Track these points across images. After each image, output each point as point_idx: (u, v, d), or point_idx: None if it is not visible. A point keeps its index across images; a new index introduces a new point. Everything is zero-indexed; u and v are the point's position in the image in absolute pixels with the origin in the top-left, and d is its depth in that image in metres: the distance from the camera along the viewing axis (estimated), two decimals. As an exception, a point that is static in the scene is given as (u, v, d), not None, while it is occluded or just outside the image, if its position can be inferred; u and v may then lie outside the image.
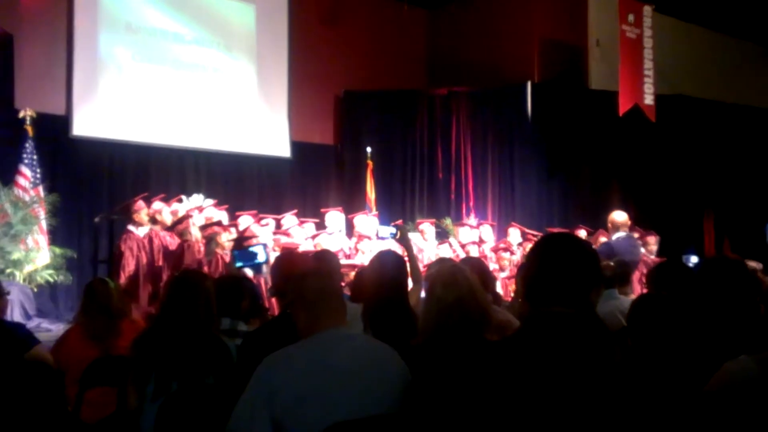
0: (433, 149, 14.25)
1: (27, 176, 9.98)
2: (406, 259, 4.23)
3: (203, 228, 8.97)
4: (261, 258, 4.29)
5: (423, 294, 3.78)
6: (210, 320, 3.55)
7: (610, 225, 8.00)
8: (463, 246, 10.72)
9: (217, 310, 3.62)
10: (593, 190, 13.59)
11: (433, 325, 3.00)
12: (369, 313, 3.66)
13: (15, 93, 10.76)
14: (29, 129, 10.17)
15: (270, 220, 10.28)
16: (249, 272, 7.93)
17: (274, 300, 7.09)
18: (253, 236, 8.67)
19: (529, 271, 2.21)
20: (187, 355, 3.41)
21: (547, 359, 2.03)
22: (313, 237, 9.84)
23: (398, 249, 5.83)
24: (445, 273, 3.12)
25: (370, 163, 13.05)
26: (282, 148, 13.42)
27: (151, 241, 9.05)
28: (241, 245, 8.12)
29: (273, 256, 8.45)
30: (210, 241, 8.83)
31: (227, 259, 8.77)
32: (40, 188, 10.05)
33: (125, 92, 11.71)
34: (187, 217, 9.26)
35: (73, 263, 10.48)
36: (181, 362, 3.39)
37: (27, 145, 10.07)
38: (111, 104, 11.58)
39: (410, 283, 4.25)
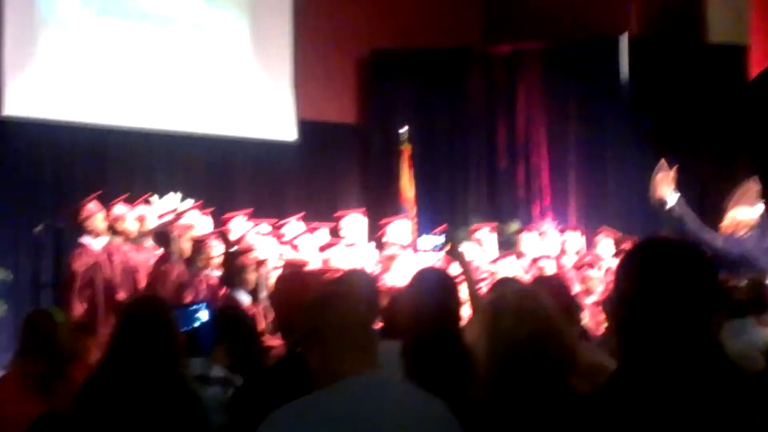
0: (493, 128, 14.23)
1: (-57, 172, 10.11)
2: (459, 279, 4.22)
3: (195, 242, 9.05)
4: (203, 318, 4.32)
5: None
6: (173, 362, 3.59)
7: (732, 225, 7.86)
8: (535, 260, 10.66)
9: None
10: (717, 178, 13.43)
11: (498, 371, 2.99)
12: (409, 353, 3.66)
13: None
14: (-57, 108, 10.31)
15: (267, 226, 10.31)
16: (245, 299, 7.96)
17: (277, 337, 7.11)
18: (249, 249, 8.68)
19: (622, 295, 2.20)
20: (145, 411, 3.44)
21: (659, 419, 2.01)
22: (322, 249, 9.84)
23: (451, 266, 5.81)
24: (513, 299, 3.12)
25: (405, 148, 13.01)
26: (285, 130, 13.48)
27: (110, 256, 9.11)
28: (234, 261, 8.17)
29: (274, 275, 8.49)
30: (193, 260, 8.89)
31: (212, 280, 8.82)
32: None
33: (73, 57, 11.81)
34: (173, 221, 9.33)
35: (7, 288, 10.58)
36: (138, 423, 3.42)
37: (-59, 129, 10.21)
38: (55, 74, 11.68)
39: (465, 313, 4.24)
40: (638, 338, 2.14)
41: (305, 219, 10.86)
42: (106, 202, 9.59)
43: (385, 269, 9.80)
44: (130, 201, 9.88)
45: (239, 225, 10.11)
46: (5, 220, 11.26)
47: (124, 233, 9.40)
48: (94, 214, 9.30)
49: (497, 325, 3.09)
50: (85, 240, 9.25)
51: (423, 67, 14.30)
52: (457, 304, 3.94)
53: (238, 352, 4.57)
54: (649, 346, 2.11)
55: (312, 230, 10.44)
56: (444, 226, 11.03)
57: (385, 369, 2.94)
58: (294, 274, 4.32)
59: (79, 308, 8.89)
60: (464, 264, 4.83)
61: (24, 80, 11.54)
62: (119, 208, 9.53)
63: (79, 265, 9.04)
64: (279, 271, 8.78)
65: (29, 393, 4.48)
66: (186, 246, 9.13)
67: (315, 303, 2.90)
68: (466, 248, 9.57)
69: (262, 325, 7.68)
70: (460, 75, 14.33)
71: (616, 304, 2.22)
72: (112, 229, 9.35)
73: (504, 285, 4.32)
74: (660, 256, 2.20)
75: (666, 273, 2.15)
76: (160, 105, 12.40)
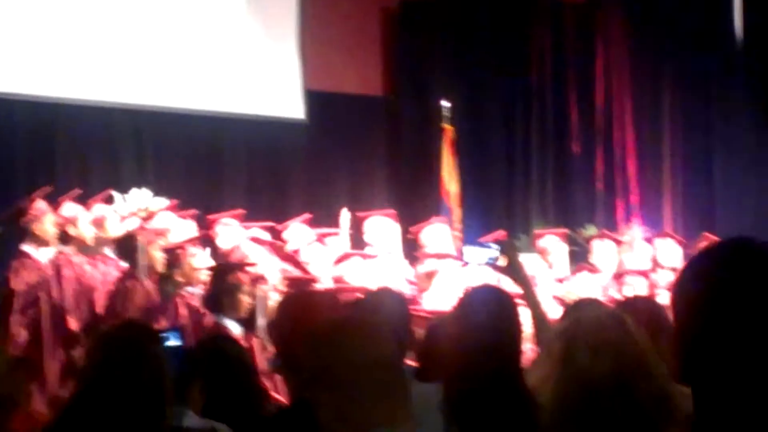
0: (563, 101, 14.25)
1: None
2: (520, 303, 4.20)
3: (168, 251, 9.06)
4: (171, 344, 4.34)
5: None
6: (160, 413, 3.58)
7: None
8: (619, 277, 10.62)
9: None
10: None
11: (572, 423, 2.97)
12: (453, 401, 3.65)
13: None
14: None
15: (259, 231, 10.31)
16: (234, 327, 7.96)
17: (278, 377, 7.09)
18: (243, 262, 8.69)
19: (686, 322, 2.14)
20: None
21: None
22: (338, 261, 9.84)
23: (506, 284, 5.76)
24: (592, 328, 3.11)
25: (447, 128, 13.02)
26: (289, 105, 13.53)
27: (59, 271, 9.13)
28: (222, 278, 8.17)
29: (275, 297, 8.49)
30: (166, 276, 8.90)
31: (193, 301, 8.84)
32: None
33: (13, 11, 11.86)
34: (141, 225, 9.33)
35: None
36: None
37: None
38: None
39: (527, 347, 4.21)
40: (711, 383, 2.09)
41: (314, 222, 10.87)
42: (54, 200, 9.59)
43: (421, 289, 9.81)
44: (85, 199, 9.90)
45: (229, 230, 10.13)
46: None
47: (78, 241, 9.41)
48: (43, 215, 9.27)
49: (570, 363, 3.06)
50: (28, 249, 9.26)
51: (469, 22, 14.31)
52: (518, 335, 3.91)
53: (219, 393, 4.57)
54: (727, 393, 2.07)
55: (323, 238, 10.44)
56: (499, 232, 11.01)
57: (420, 422, 2.93)
58: (300, 296, 4.30)
59: (18, 338, 8.88)
60: (525, 282, 4.79)
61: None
62: (70, 208, 9.54)
63: (20, 281, 9.04)
64: (281, 292, 8.82)
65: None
66: (158, 257, 9.13)
67: (327, 334, 2.89)
68: (527, 261, 9.57)
69: (259, 362, 7.69)
70: (519, 32, 14.34)
71: (676, 334, 2.17)
72: (62, 236, 9.35)
73: (579, 310, 4.27)
74: (741, 265, 2.13)
75: (749, 289, 2.08)
76: (125, 72, 12.43)
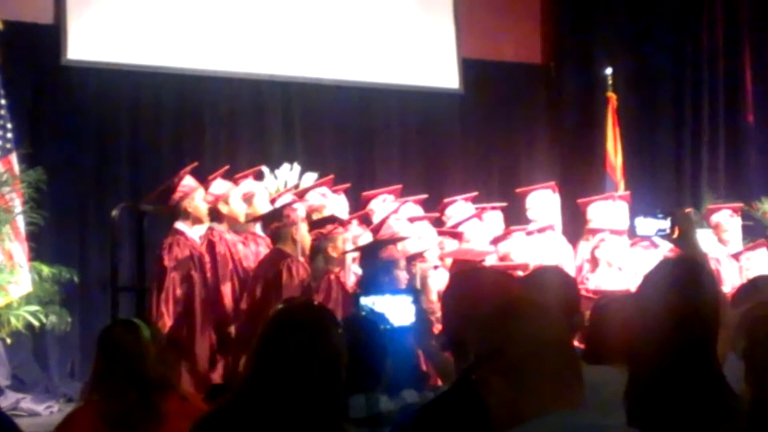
0: (735, 67, 13.96)
1: (-9, 136, 10.47)
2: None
3: (314, 226, 9.09)
4: (407, 318, 4.32)
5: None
6: (336, 402, 3.56)
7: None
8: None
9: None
10: None
11: (761, 407, 2.93)
12: (638, 387, 3.58)
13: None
14: (-6, 51, 10.67)
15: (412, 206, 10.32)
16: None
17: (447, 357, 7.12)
18: (396, 237, 8.69)
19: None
20: None
21: None
22: (498, 240, 9.80)
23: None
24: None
25: (611, 96, 12.89)
26: (444, 74, 13.49)
27: (212, 249, 9.23)
28: (378, 257, 8.15)
29: (437, 277, 8.50)
30: (318, 250, 8.95)
31: (346, 280, 8.86)
32: (13, 157, 10.53)
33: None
34: (289, 205, 9.39)
35: (75, 292, 10.93)
36: None
37: (-9, 80, 10.58)
38: (131, 5, 11.94)
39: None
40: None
41: (476, 199, 10.85)
42: (203, 177, 9.68)
43: (585, 267, 9.75)
44: (233, 174, 10.03)
45: (384, 206, 10.14)
46: (69, 200, 11.62)
47: (229, 218, 9.49)
48: (193, 191, 9.37)
49: (754, 344, 3.03)
50: (181, 226, 9.31)
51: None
52: (712, 314, 3.74)
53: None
54: None
55: (480, 213, 10.41)
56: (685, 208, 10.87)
57: (589, 405, 2.91)
58: (469, 275, 4.28)
59: (168, 317, 8.99)
60: (700, 255, 4.69)
61: (92, 15, 11.78)
62: (221, 185, 9.62)
63: (173, 258, 9.10)
64: (439, 270, 8.82)
65: (106, 434, 4.57)
66: (308, 237, 9.15)
67: (498, 315, 2.89)
68: (701, 237, 9.46)
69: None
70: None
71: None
72: (213, 213, 9.44)
73: (757, 288, 4.21)
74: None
75: None
76: (273, 43, 12.56)
